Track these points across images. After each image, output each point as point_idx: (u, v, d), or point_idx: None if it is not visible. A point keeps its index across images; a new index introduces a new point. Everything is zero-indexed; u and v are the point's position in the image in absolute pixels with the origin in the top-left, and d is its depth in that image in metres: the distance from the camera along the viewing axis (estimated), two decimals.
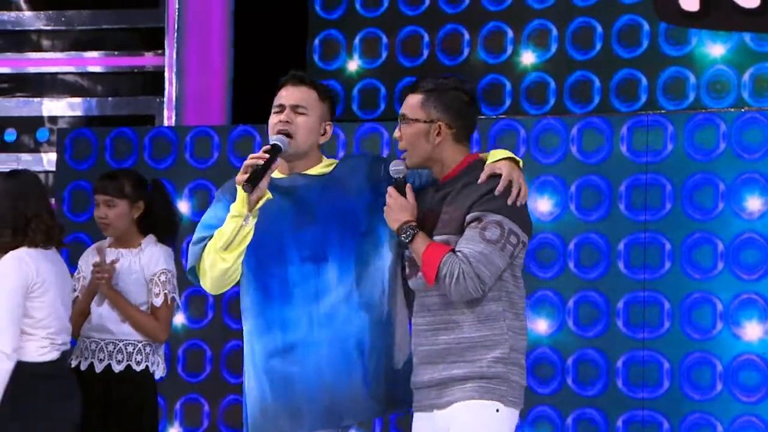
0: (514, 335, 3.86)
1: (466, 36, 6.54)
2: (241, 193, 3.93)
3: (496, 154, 3.93)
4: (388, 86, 6.65)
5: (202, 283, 4.03)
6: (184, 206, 6.21)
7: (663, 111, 5.99)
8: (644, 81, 6.21)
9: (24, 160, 7.28)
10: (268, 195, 3.95)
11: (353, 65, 6.73)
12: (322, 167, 4.10)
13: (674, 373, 5.52)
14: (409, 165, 3.92)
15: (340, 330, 4.02)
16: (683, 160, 5.58)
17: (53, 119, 7.30)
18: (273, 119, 4.05)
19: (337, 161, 4.13)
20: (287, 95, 4.07)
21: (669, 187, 5.59)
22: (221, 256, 3.99)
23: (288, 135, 4.01)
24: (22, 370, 4.77)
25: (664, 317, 5.55)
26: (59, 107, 7.31)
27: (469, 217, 3.81)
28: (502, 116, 6.20)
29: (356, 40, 6.73)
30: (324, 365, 4.01)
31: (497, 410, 3.79)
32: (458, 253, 3.77)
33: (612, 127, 5.68)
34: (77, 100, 7.29)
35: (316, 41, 6.78)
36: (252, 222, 3.97)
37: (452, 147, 3.93)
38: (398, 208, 3.88)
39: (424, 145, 3.90)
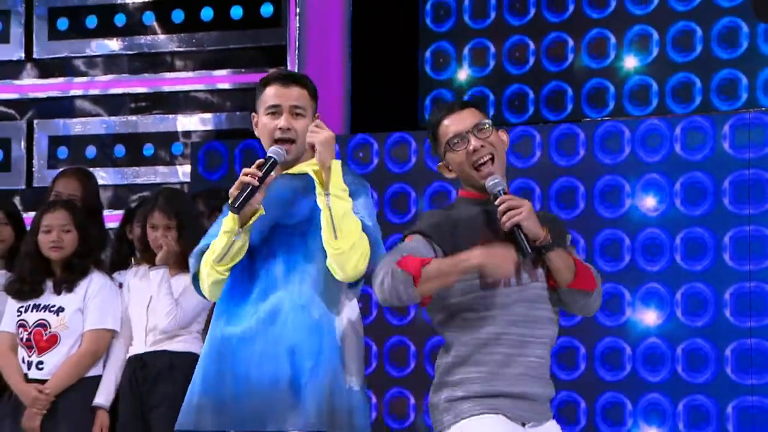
0: None
1: (570, 43, 6.47)
2: (239, 214, 3.64)
3: None
4: (497, 93, 6.58)
5: (201, 290, 3.78)
6: None
7: (764, 108, 5.86)
8: (744, 80, 6.09)
9: (161, 172, 7.30)
10: (261, 211, 3.65)
11: (463, 74, 6.68)
12: (305, 165, 3.76)
13: None
14: (498, 174, 3.58)
15: (277, 330, 3.64)
16: None
17: (186, 134, 7.29)
18: (269, 123, 3.75)
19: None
20: (282, 95, 3.76)
21: None
22: (215, 269, 3.71)
23: (290, 141, 3.72)
24: None
25: None
26: (192, 122, 7.31)
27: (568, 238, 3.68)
28: (607, 118, 6.16)
29: (465, 51, 6.67)
30: (253, 364, 3.63)
31: None
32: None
33: (714, 126, 5.55)
34: (208, 115, 7.28)
35: (428, 53, 6.74)
36: (244, 237, 3.67)
37: None
38: (534, 214, 3.51)
39: (504, 156, 3.62)
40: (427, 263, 3.40)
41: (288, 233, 3.72)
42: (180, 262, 5.09)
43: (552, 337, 3.58)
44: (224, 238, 3.70)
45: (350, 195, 3.68)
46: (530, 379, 3.49)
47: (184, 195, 5.60)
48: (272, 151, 3.68)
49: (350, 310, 3.71)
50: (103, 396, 5.11)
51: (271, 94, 3.77)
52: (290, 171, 3.79)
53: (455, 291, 3.51)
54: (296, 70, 6.87)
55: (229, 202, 3.61)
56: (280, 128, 3.72)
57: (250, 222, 3.67)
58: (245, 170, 3.63)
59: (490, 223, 3.52)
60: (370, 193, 3.79)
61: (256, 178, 3.60)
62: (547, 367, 3.56)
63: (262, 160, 3.67)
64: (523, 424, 3.51)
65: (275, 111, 3.76)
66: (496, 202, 3.48)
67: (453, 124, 3.58)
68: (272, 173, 3.65)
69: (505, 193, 3.50)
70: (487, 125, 3.57)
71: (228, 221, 3.68)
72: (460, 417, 3.46)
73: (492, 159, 3.55)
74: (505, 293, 3.50)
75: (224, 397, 3.66)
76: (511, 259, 3.39)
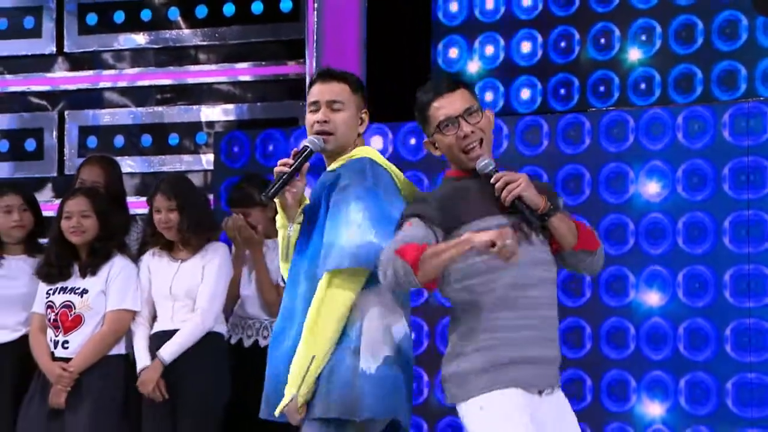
0: None
1: (577, 36, 6.42)
2: (279, 204, 3.67)
3: None
4: (506, 84, 6.55)
5: None
6: None
7: (762, 98, 5.82)
8: (743, 71, 6.03)
9: (185, 161, 7.32)
10: (306, 200, 3.67)
11: (474, 66, 6.63)
12: (341, 161, 3.73)
13: None
14: (487, 155, 3.56)
15: (296, 326, 3.64)
16: None
17: (210, 124, 7.31)
18: (310, 118, 3.74)
19: (355, 155, 3.74)
20: (321, 92, 3.74)
21: None
22: (284, 267, 3.79)
23: (327, 134, 3.71)
24: None
25: None
26: (215, 113, 7.32)
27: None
28: (612, 108, 6.12)
29: (476, 44, 6.63)
30: (281, 356, 3.67)
31: None
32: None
33: (715, 115, 5.52)
34: (230, 106, 7.29)
35: (440, 45, 6.70)
36: (296, 228, 3.70)
37: None
38: (534, 189, 3.48)
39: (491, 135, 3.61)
40: (423, 250, 3.35)
41: (311, 226, 3.73)
42: (182, 242, 5.15)
43: (555, 297, 3.55)
44: (280, 233, 3.74)
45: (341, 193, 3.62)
46: (541, 341, 3.47)
47: (185, 179, 5.58)
48: (308, 140, 3.70)
49: (369, 299, 3.63)
50: (143, 361, 5.11)
51: (312, 92, 3.78)
52: (329, 167, 3.79)
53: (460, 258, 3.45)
54: (314, 64, 6.88)
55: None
56: (317, 121, 3.73)
57: (299, 211, 3.68)
58: (280, 161, 3.65)
59: (486, 194, 3.49)
60: (371, 195, 3.64)
61: (288, 167, 3.62)
62: (556, 328, 3.55)
63: (296, 149, 3.70)
64: (540, 393, 3.47)
65: (315, 108, 3.76)
66: (492, 180, 3.45)
67: (443, 107, 3.53)
68: (307, 162, 3.65)
69: (497, 171, 3.47)
70: (477, 109, 3.53)
71: (279, 217, 3.72)
72: (477, 392, 3.42)
73: (480, 142, 3.53)
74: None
75: (267, 389, 3.72)
76: (508, 234, 3.32)
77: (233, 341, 5.40)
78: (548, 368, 3.51)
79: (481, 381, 3.42)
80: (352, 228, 3.56)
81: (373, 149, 3.82)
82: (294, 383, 3.57)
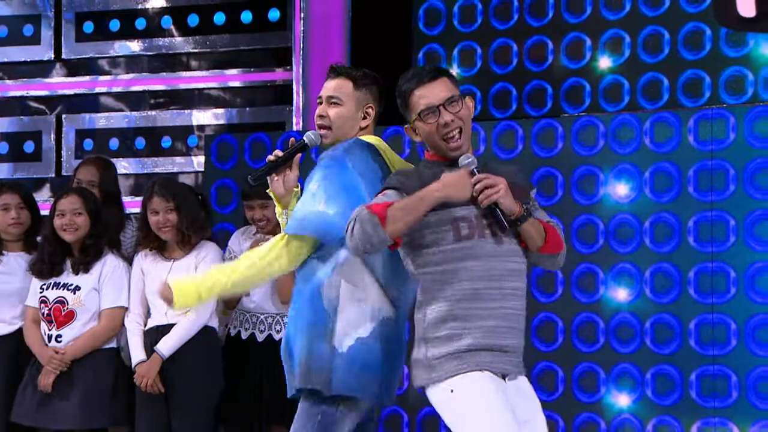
0: None
1: (550, 45, 6.42)
2: (272, 192, 3.69)
3: None
4: (483, 91, 6.53)
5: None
6: None
7: (725, 105, 5.83)
8: (708, 79, 6.05)
9: (177, 163, 7.32)
10: (297, 191, 3.67)
11: (452, 73, 6.59)
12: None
13: (740, 332, 5.35)
14: (469, 152, 3.50)
15: (296, 300, 3.69)
16: (744, 147, 5.41)
17: (201, 127, 7.31)
18: (316, 112, 3.78)
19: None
20: (325, 88, 3.76)
21: (732, 171, 5.42)
22: None
23: (325, 128, 3.71)
24: None
25: (730, 285, 5.39)
26: (206, 117, 7.33)
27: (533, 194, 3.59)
28: (583, 114, 6.10)
29: (454, 52, 6.62)
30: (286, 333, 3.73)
31: None
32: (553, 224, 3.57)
33: (680, 121, 5.54)
34: (220, 110, 7.30)
35: (420, 54, 6.69)
36: (290, 214, 3.69)
37: None
38: (511, 196, 3.41)
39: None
40: (391, 205, 3.30)
41: None
42: (182, 241, 5.12)
43: (524, 288, 3.49)
44: (280, 221, 3.76)
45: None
46: (508, 330, 3.41)
47: (177, 181, 5.60)
48: (306, 134, 3.71)
49: (349, 279, 3.60)
50: (138, 356, 5.10)
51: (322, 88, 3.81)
52: None
53: (430, 243, 3.42)
54: (300, 71, 6.88)
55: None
56: (317, 115, 3.76)
57: (292, 203, 3.68)
58: (275, 150, 3.69)
59: None
60: (335, 164, 3.60)
61: (276, 156, 3.64)
62: (523, 318, 3.48)
63: (293, 139, 3.73)
64: (504, 378, 3.42)
65: (319, 102, 3.78)
66: (473, 181, 3.38)
67: (425, 95, 3.46)
68: (298, 153, 3.66)
69: (478, 171, 3.41)
70: (457, 98, 3.48)
71: (276, 205, 3.74)
72: (448, 375, 3.37)
73: (460, 131, 3.49)
74: (479, 246, 3.40)
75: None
76: (466, 181, 3.30)
77: (232, 333, 5.39)
78: (513, 356, 3.46)
79: (450, 365, 3.37)
80: (307, 197, 3.58)
81: (373, 137, 3.77)
82: (195, 289, 3.61)
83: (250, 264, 3.62)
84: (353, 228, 3.30)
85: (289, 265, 3.61)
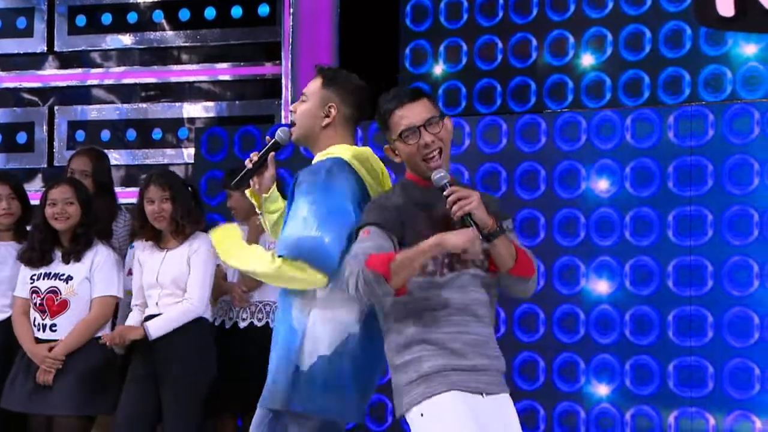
0: None
1: (534, 42, 6.40)
2: (249, 192, 3.67)
3: None
4: (468, 86, 6.51)
5: None
6: None
7: (704, 102, 5.84)
8: (687, 77, 6.04)
9: (168, 154, 7.31)
10: (273, 190, 3.63)
11: (438, 69, 6.60)
12: (317, 157, 3.65)
13: (717, 324, 5.37)
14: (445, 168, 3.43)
15: (282, 301, 3.63)
16: (722, 144, 5.43)
17: (191, 120, 7.30)
18: None
19: (329, 154, 3.63)
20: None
21: (711, 167, 5.44)
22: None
23: (293, 124, 3.67)
24: None
25: (708, 277, 5.40)
26: (196, 110, 7.31)
27: (507, 223, 3.45)
28: (566, 110, 6.10)
29: (441, 48, 6.60)
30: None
31: None
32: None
33: (660, 117, 5.56)
34: (210, 103, 7.29)
35: (407, 50, 6.67)
36: (269, 214, 3.67)
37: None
38: (484, 208, 3.30)
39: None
40: (391, 259, 3.22)
41: (286, 217, 3.64)
42: (176, 231, 5.11)
43: (492, 317, 3.40)
44: (261, 217, 3.75)
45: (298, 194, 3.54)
46: (475, 353, 3.33)
47: (173, 172, 5.63)
48: (277, 132, 3.67)
49: (319, 299, 3.52)
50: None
51: None
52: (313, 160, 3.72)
53: None
54: (289, 65, 6.87)
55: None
56: (290, 111, 3.73)
57: (266, 201, 3.65)
58: (252, 153, 3.65)
59: (438, 209, 3.36)
60: (320, 189, 3.51)
61: (252, 161, 3.61)
62: (491, 344, 3.39)
63: (268, 137, 3.70)
64: (481, 394, 3.32)
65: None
66: (445, 193, 3.30)
67: (405, 116, 3.38)
68: (272, 152, 3.62)
69: (451, 185, 3.32)
70: (437, 119, 3.40)
71: (254, 202, 3.72)
72: (418, 399, 3.29)
73: (440, 152, 3.40)
74: (444, 279, 3.34)
75: None
76: (471, 237, 3.23)
77: (216, 323, 5.40)
78: (487, 374, 3.35)
79: (419, 390, 3.29)
80: (296, 222, 3.49)
81: (350, 147, 3.68)
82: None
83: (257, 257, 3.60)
84: (357, 285, 3.24)
85: (275, 282, 3.56)
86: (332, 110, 3.66)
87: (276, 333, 3.61)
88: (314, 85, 3.68)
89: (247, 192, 3.75)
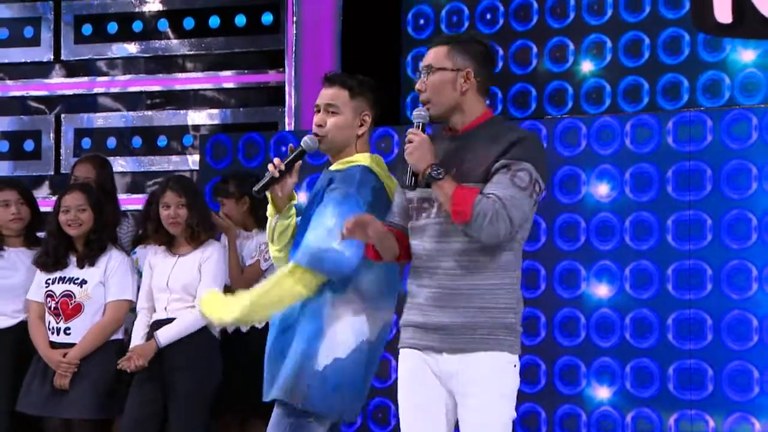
0: (519, 286, 3.36)
1: (534, 49, 6.41)
2: (269, 195, 3.67)
3: None
4: None
5: None
6: (303, 197, 6.14)
7: (703, 108, 5.84)
8: (686, 83, 6.04)
9: (173, 161, 7.31)
10: (294, 199, 3.65)
11: None
12: (339, 164, 3.70)
13: (716, 328, 5.36)
14: (433, 114, 3.29)
15: (288, 312, 3.66)
16: (721, 149, 5.41)
17: (196, 127, 7.29)
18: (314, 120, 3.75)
19: (353, 162, 3.69)
20: (321, 95, 3.72)
21: (709, 172, 5.42)
22: (271, 247, 3.79)
23: (321, 136, 3.68)
24: None
25: (707, 281, 5.39)
26: (200, 117, 7.31)
27: (497, 165, 3.20)
28: (566, 116, 6.09)
29: None
30: (275, 339, 3.70)
31: (515, 365, 3.33)
32: (490, 196, 3.15)
33: (660, 123, 5.54)
34: (215, 111, 7.29)
35: (409, 57, 6.68)
36: (283, 221, 3.67)
37: (475, 97, 3.31)
38: (425, 149, 3.20)
39: (450, 93, 3.29)
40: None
41: (305, 221, 3.70)
42: (190, 237, 5.11)
43: (466, 267, 3.24)
44: (269, 220, 3.74)
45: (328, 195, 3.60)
46: (435, 309, 3.26)
47: (189, 179, 5.66)
48: (304, 139, 3.68)
49: (335, 305, 3.60)
50: (137, 342, 5.09)
51: (319, 95, 3.77)
52: (331, 167, 3.76)
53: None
54: (293, 73, 6.88)
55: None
56: (314, 123, 3.72)
57: (287, 207, 3.66)
58: (275, 159, 3.64)
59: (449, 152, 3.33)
60: (349, 201, 3.57)
61: (278, 168, 3.60)
62: (462, 296, 3.25)
63: (292, 146, 3.69)
64: (441, 353, 3.26)
65: (316, 110, 3.75)
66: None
67: (425, 58, 3.46)
68: (299, 161, 3.63)
69: (419, 126, 3.29)
70: (436, 69, 3.41)
71: (269, 206, 3.72)
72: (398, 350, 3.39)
73: (427, 103, 3.41)
74: (420, 225, 3.31)
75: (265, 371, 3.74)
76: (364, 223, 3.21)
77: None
78: (449, 335, 3.26)
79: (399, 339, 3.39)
80: (321, 231, 3.52)
81: (373, 156, 3.74)
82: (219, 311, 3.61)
83: (257, 303, 3.59)
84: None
85: (308, 293, 3.59)
86: (367, 118, 3.73)
87: (297, 323, 3.61)
88: (342, 97, 3.70)
89: (269, 195, 3.74)
